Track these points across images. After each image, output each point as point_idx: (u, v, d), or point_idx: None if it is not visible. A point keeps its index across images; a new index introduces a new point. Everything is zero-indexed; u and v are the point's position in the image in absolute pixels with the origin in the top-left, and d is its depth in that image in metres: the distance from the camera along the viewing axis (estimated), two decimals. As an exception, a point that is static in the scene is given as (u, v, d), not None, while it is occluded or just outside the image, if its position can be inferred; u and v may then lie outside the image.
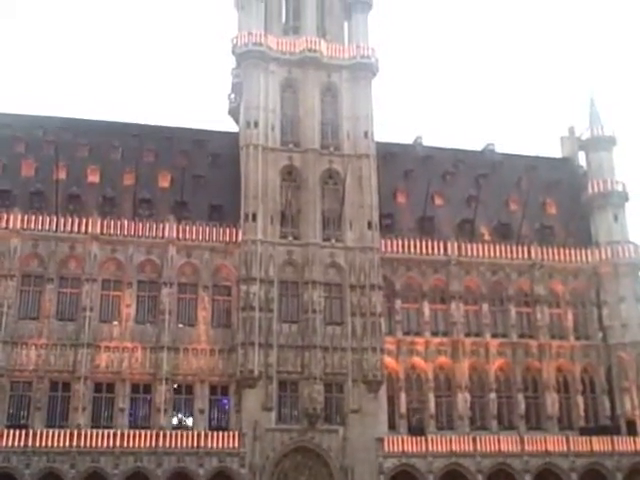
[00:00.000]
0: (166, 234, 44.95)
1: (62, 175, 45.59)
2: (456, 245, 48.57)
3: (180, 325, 44.26)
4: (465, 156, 55.47)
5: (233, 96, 53.46)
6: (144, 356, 43.08)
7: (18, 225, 43.39)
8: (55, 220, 44.00)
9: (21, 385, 41.90)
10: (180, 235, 45.15)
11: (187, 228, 45.39)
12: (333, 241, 46.60)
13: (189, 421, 43.25)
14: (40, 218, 43.89)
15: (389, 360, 45.54)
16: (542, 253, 49.75)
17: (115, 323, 43.65)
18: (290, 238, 46.15)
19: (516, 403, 47.18)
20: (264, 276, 44.59)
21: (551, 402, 47.38)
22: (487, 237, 50.53)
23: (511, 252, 49.44)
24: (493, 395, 46.78)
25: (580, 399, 48.17)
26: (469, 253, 48.79)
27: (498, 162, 55.63)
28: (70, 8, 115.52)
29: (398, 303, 47.15)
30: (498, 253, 49.18)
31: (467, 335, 47.65)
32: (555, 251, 50.14)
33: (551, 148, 60.71)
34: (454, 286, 47.97)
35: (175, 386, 43.21)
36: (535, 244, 49.90)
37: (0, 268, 42.84)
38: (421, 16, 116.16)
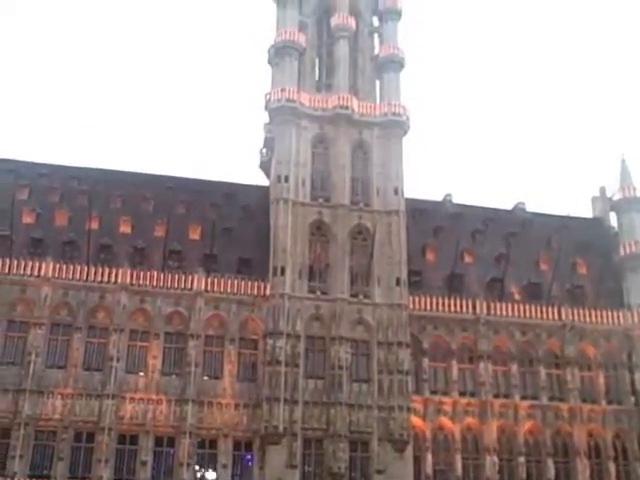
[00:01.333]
0: (195, 286, 45.07)
1: (95, 225, 46.20)
2: (485, 304, 48.07)
3: (205, 378, 43.99)
4: (495, 214, 55.40)
5: (265, 151, 54.12)
6: (169, 408, 42.77)
7: (50, 274, 43.80)
8: (86, 270, 44.40)
9: (45, 434, 41.64)
10: (208, 287, 45.24)
11: (216, 280, 45.47)
12: (361, 297, 46.40)
13: (211, 476, 42.57)
14: (71, 267, 44.31)
15: (416, 419, 44.74)
16: (573, 314, 49.01)
17: (141, 374, 43.50)
18: (318, 293, 46.06)
19: (545, 468, 45.90)
20: (291, 331, 44.38)
21: (582, 468, 46.04)
22: (517, 296, 50.02)
23: (541, 312, 48.79)
24: (522, 459, 45.60)
25: (612, 466, 46.75)
26: (498, 312, 48.22)
27: (528, 221, 55.46)
28: (104, 62, 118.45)
29: (426, 361, 46.53)
30: (528, 313, 48.56)
31: (496, 396, 46.76)
32: (586, 312, 49.35)
33: (582, 208, 60.49)
34: (483, 345, 47.32)
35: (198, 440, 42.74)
36: (566, 305, 49.23)
37: (30, 316, 43.22)
38: (452, 73, 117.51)
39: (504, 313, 48.28)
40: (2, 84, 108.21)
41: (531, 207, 57.17)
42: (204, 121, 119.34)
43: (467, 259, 51.61)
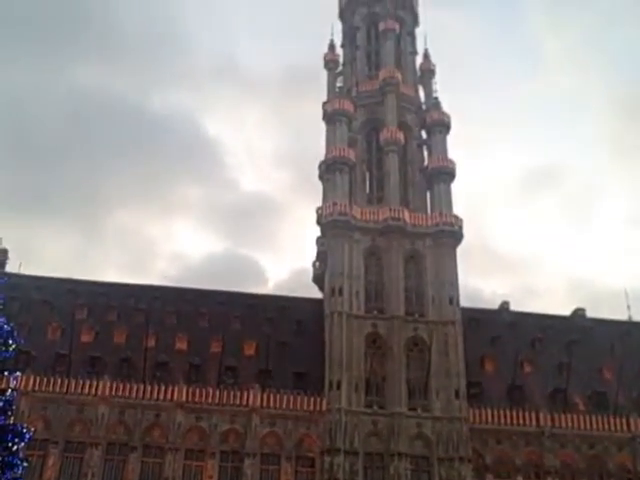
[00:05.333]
0: (250, 402, 44.69)
1: (151, 343, 46.60)
2: (549, 416, 46.41)
3: (262, 499, 42.94)
4: (554, 322, 54.40)
5: (318, 264, 54.55)
6: (224, 531, 41.73)
7: (107, 392, 44.06)
8: (142, 388, 44.53)
9: None
10: (264, 404, 44.80)
11: (271, 396, 45.07)
12: (419, 411, 45.30)
13: None
14: (128, 386, 44.50)
15: (482, 541, 42.71)
16: (643, 425, 46.93)
17: (197, 495, 42.71)
18: (375, 407, 45.15)
19: None
20: (349, 447, 43.37)
21: None
22: (582, 407, 48.22)
23: (608, 423, 46.86)
24: None
25: None
26: (563, 424, 46.46)
27: (589, 328, 54.18)
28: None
29: (489, 478, 44.72)
30: (595, 425, 46.65)
31: (567, 513, 44.51)
32: (657, 422, 47.23)
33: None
34: (549, 460, 45.40)
35: None
36: (635, 415, 47.22)
37: (86, 436, 43.20)
38: (503, 178, 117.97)
39: (569, 425, 46.51)
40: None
41: (591, 313, 55.97)
42: (256, 237, 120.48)
43: (527, 369, 50.29)
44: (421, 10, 61.99)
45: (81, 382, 44.28)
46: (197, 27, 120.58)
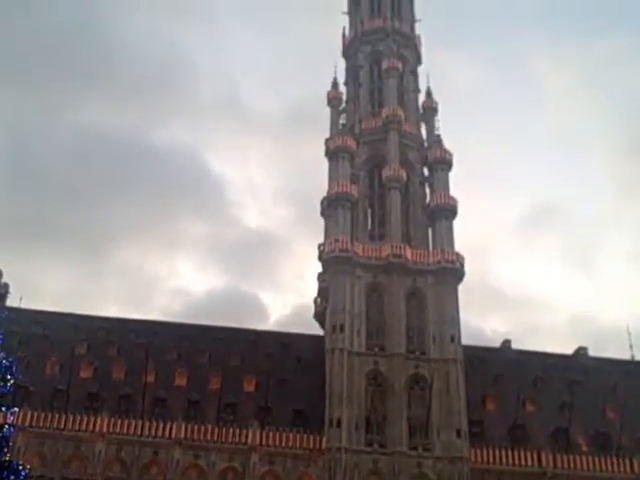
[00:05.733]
0: (249, 440, 44.21)
1: (151, 378, 46.26)
2: (551, 456, 45.83)
3: (259, 542, 42.30)
4: (556, 360, 54.02)
5: (319, 300, 54.34)
6: None
7: (104, 429, 43.64)
8: (140, 424, 44.09)
9: None
10: (263, 441, 44.32)
11: (270, 434, 44.60)
12: (420, 450, 44.80)
13: None
14: (126, 422, 44.10)
15: None
16: (647, 467, 46.30)
17: (193, 536, 42.09)
18: (375, 446, 44.66)
19: None
20: (349, 487, 42.81)
21: None
22: (585, 448, 47.63)
23: (612, 464, 46.24)
24: None
25: None
26: (566, 465, 45.85)
27: (591, 367, 53.79)
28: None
29: (491, 519, 44.10)
30: (598, 466, 46.03)
31: None
32: (662, 464, 46.61)
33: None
34: (552, 502, 44.77)
35: None
36: (638, 456, 46.58)
37: (83, 473, 42.74)
38: (505, 216, 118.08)
39: (572, 466, 45.89)
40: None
41: (593, 352, 55.64)
42: (258, 273, 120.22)
43: (529, 408, 49.79)
44: (424, 49, 62.59)
45: (78, 418, 43.88)
46: (200, 64, 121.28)
